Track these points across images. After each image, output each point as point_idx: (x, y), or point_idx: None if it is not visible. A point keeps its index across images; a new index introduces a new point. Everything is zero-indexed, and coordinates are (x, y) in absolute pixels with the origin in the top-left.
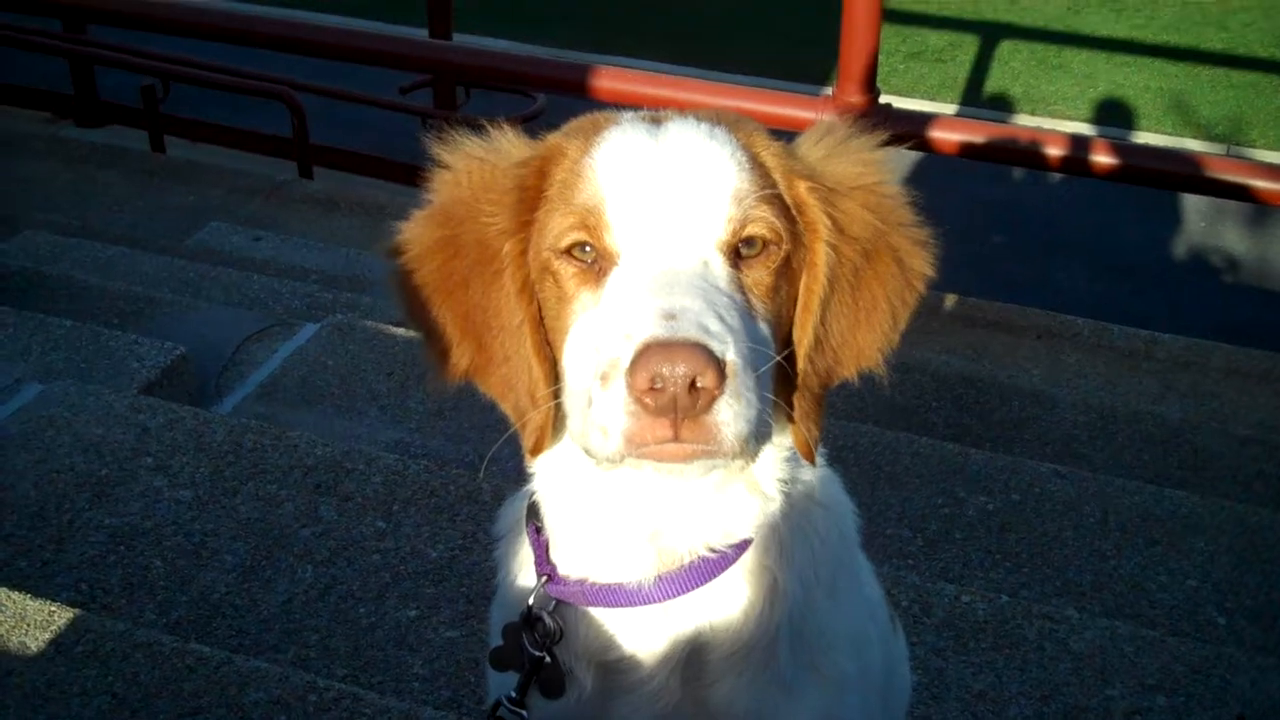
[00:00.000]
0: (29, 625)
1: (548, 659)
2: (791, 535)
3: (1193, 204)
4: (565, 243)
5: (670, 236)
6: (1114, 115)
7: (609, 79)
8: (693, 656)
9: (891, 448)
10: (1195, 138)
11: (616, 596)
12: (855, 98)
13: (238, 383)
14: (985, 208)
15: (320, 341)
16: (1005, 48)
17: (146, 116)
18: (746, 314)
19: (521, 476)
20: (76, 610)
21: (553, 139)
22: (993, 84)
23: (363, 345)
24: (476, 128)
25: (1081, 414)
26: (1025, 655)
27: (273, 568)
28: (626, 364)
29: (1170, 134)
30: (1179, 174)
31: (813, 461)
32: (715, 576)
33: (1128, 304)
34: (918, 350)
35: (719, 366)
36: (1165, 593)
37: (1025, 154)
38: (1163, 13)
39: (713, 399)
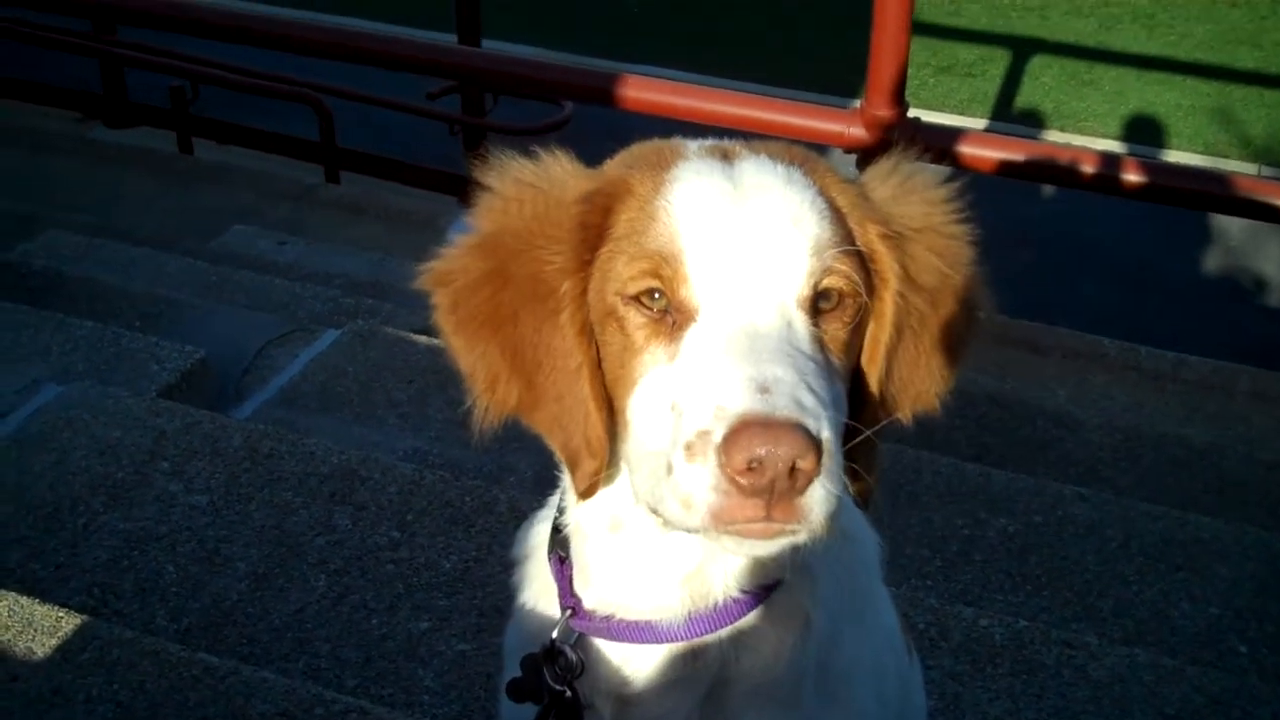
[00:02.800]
0: (36, 630)
1: (568, 693)
2: (821, 570)
3: (1223, 224)
4: (635, 289)
5: (753, 293)
6: (1145, 133)
7: (636, 89)
8: (716, 689)
9: (912, 466)
10: (1227, 157)
11: (644, 633)
12: (884, 111)
13: (258, 387)
14: (1012, 224)
15: (341, 348)
16: (1036, 63)
17: (175, 118)
18: (827, 377)
19: (539, 489)
20: (84, 616)
21: (616, 172)
22: (1023, 99)
23: (383, 352)
24: (522, 148)
25: (1106, 436)
26: (1043, 682)
27: (285, 576)
28: (718, 439)
29: (1202, 153)
30: (1210, 194)
31: (868, 509)
32: (746, 614)
33: (1155, 324)
34: None
35: (818, 448)
36: (1187, 620)
37: (1056, 171)
38: (1195, 30)
39: (809, 480)
